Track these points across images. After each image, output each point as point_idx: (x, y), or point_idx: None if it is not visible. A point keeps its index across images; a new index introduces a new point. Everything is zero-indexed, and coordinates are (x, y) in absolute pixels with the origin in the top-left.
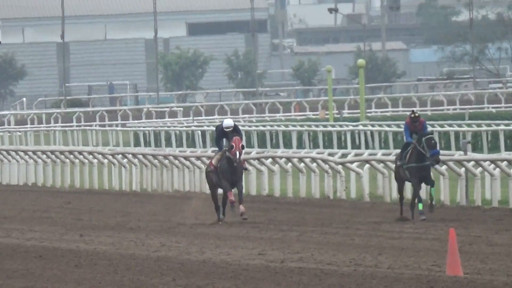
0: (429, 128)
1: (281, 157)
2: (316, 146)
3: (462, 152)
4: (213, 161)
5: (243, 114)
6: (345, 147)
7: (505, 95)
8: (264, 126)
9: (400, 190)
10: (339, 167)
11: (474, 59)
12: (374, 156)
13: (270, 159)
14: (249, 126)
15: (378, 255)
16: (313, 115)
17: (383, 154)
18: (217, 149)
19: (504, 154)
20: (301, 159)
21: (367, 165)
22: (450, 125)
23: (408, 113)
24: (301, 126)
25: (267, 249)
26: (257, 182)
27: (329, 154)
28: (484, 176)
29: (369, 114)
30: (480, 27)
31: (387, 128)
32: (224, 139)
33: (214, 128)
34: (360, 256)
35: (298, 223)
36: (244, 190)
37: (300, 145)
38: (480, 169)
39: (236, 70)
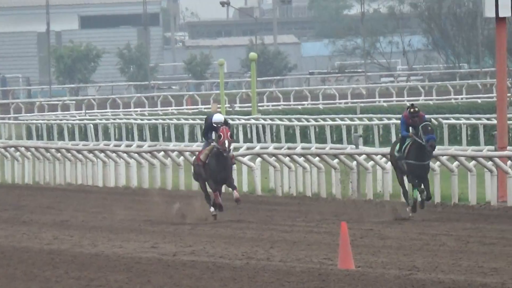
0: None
1: (173, 151)
2: None
3: (353, 146)
4: (201, 157)
5: (135, 108)
6: (237, 141)
7: (396, 89)
8: (156, 119)
9: (402, 181)
10: None
11: (366, 53)
12: (265, 149)
13: (162, 152)
14: (141, 120)
15: (270, 248)
16: (205, 108)
17: (275, 148)
18: (202, 143)
19: None
20: (193, 153)
21: (258, 159)
22: (341, 119)
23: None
24: (193, 119)
25: (159, 242)
26: (149, 175)
27: None
28: (376, 170)
29: (261, 108)
30: (372, 20)
31: (278, 122)
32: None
33: (105, 121)
34: (252, 250)
35: None
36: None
37: (192, 139)
38: (371, 162)
39: (128, 63)
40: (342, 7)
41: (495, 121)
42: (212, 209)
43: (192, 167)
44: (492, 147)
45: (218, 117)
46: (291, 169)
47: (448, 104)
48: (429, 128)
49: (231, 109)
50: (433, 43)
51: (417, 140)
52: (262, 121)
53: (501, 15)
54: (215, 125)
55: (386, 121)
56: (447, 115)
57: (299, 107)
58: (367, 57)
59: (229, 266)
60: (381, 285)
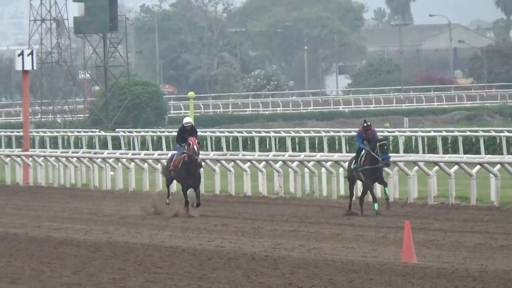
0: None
1: None
2: None
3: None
4: (176, 163)
5: None
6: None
7: None
8: None
9: (351, 188)
10: None
11: None
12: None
13: None
14: None
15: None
16: None
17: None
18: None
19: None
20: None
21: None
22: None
23: None
24: None
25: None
26: None
27: None
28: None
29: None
30: None
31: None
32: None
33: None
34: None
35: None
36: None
37: None
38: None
39: None
40: None
41: None
42: (168, 200)
43: (162, 169)
44: None
45: (187, 120)
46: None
47: None
48: (385, 147)
49: None
50: None
51: (371, 153)
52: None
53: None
54: (185, 125)
55: None
56: None
57: None
58: None
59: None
60: None
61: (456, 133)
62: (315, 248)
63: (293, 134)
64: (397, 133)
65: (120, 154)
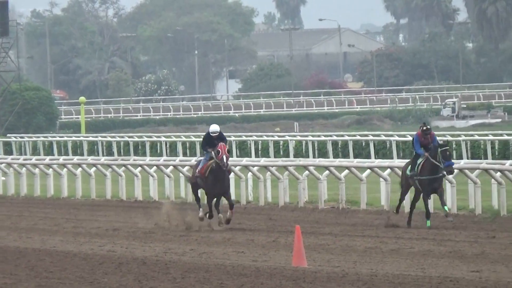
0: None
1: None
2: None
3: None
4: (202, 170)
5: None
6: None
7: None
8: None
9: (403, 194)
10: None
11: None
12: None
13: None
14: None
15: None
16: None
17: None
18: (201, 158)
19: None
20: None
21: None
22: None
23: None
24: None
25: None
26: None
27: None
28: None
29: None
30: None
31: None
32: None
33: None
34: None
35: None
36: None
37: None
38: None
39: None
40: None
41: None
42: (200, 213)
43: (191, 178)
44: None
45: (214, 128)
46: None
47: None
48: (448, 153)
49: None
50: None
51: (431, 160)
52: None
53: None
54: (212, 135)
55: None
56: None
57: None
58: None
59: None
60: None
61: (346, 138)
62: (205, 252)
63: (184, 138)
64: (287, 138)
65: (12, 159)
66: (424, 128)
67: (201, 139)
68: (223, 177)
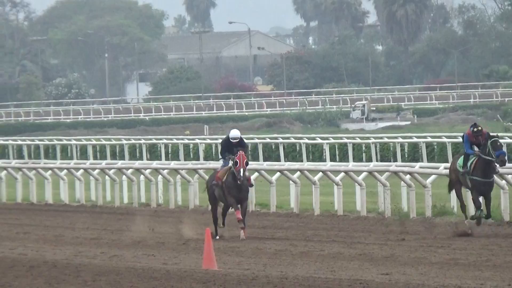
0: None
1: None
2: None
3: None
4: (219, 175)
5: None
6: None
7: None
8: None
9: (461, 195)
10: None
11: None
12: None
13: None
14: None
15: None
16: None
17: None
18: (221, 163)
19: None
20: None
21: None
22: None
23: None
24: None
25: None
26: None
27: None
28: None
29: None
30: None
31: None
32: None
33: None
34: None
35: None
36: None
37: None
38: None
39: None
40: None
41: None
42: (217, 237)
43: (207, 186)
44: None
45: (234, 133)
46: None
47: None
48: (498, 143)
49: None
50: None
51: (483, 157)
52: None
53: None
54: (232, 141)
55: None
56: None
57: None
58: None
59: None
60: None
61: (256, 140)
62: (116, 255)
63: (95, 142)
64: (197, 141)
65: None
66: (475, 129)
67: (112, 142)
68: (241, 183)
